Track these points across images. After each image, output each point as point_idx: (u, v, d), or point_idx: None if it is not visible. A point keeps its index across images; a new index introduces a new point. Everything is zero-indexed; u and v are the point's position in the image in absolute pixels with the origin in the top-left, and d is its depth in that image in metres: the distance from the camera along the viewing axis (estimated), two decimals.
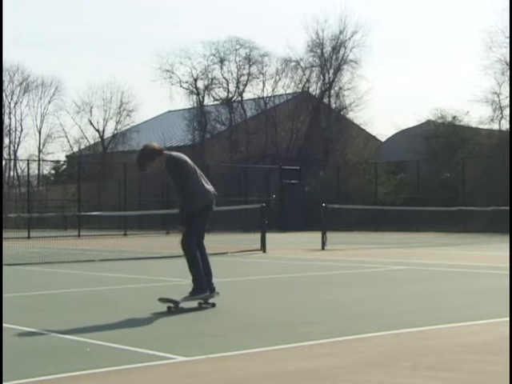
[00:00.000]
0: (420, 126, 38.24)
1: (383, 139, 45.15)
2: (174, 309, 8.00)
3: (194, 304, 8.29)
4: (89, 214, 26.09)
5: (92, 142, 53.72)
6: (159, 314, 7.79)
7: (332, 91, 44.87)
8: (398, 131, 41.21)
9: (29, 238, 28.55)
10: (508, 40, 34.51)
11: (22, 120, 55.35)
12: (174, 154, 8.33)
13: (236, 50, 47.04)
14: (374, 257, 16.79)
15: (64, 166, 54.68)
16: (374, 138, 46.39)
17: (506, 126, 36.05)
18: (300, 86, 45.83)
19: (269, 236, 19.17)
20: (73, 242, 24.98)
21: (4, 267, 12.59)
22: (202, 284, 8.18)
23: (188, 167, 8.18)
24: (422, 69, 71.70)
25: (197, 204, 8.16)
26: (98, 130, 53.02)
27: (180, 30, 79.25)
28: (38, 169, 51.40)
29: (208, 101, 48.24)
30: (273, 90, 47.10)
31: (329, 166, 40.59)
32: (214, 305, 8.29)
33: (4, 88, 53.20)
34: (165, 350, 5.73)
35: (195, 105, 48.09)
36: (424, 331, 6.53)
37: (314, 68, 45.14)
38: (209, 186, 8.30)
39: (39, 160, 52.96)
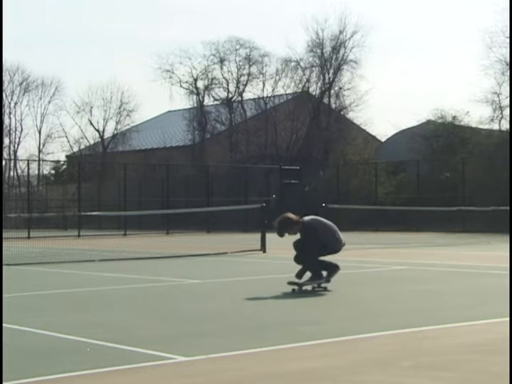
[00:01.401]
0: (420, 125, 38.20)
1: (383, 139, 45.15)
2: (299, 291, 9.33)
3: (193, 305, 8.27)
4: (89, 213, 26.11)
5: (92, 142, 53.74)
6: (159, 314, 7.80)
7: (332, 91, 44.90)
8: (398, 131, 41.19)
9: (29, 237, 28.56)
10: (508, 40, 34.51)
11: (22, 120, 55.44)
12: (307, 220, 9.73)
13: (236, 50, 47.09)
14: (373, 257, 16.78)
15: (64, 166, 54.69)
16: (374, 137, 46.37)
17: (506, 125, 36.04)
18: (300, 85, 45.87)
19: (269, 236, 19.14)
20: (73, 241, 25.00)
21: (4, 267, 12.58)
22: (320, 271, 9.65)
23: (320, 225, 9.76)
24: (422, 69, 71.79)
25: (328, 249, 9.87)
26: (98, 130, 53.06)
27: (180, 30, 79.42)
28: (38, 169, 51.44)
29: (208, 101, 48.31)
30: (273, 90, 47.15)
31: (329, 166, 40.55)
32: (326, 288, 9.50)
33: (4, 88, 53.21)
34: (165, 350, 5.73)
35: (195, 105, 48.09)
36: (424, 331, 6.52)
37: (313, 68, 45.19)
38: (340, 236, 9.90)
39: (39, 160, 52.97)
